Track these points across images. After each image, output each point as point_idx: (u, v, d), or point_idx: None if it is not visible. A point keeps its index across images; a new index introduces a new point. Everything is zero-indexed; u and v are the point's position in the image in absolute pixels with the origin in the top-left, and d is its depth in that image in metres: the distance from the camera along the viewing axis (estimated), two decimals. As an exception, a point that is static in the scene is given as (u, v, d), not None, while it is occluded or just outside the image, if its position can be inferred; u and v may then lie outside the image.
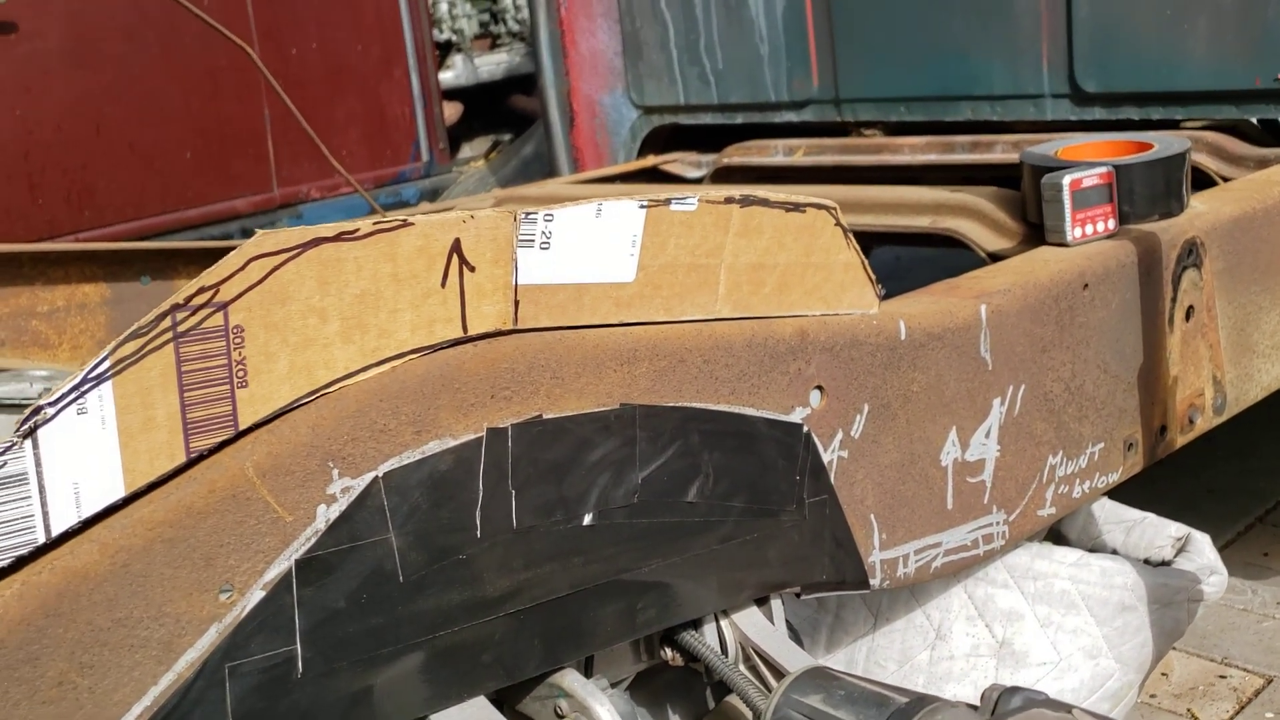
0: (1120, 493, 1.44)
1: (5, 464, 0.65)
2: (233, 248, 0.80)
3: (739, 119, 2.40)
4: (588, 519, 0.89)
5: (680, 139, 2.56)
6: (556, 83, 2.60)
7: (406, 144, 3.74)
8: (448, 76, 4.44)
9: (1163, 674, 1.70)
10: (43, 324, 1.82)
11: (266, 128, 3.29)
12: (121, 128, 2.95)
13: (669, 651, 1.04)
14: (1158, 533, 1.52)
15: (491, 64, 4.59)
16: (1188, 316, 1.40)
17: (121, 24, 2.95)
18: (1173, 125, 1.95)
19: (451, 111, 4.30)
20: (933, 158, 2.08)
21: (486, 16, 4.77)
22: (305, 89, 3.35)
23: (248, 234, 3.35)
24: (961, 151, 2.07)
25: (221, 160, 3.22)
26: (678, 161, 2.49)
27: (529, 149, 4.08)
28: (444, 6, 4.59)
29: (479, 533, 0.83)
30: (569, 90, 2.59)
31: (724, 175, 2.30)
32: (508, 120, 4.67)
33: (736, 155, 2.30)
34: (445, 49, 4.58)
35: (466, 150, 4.59)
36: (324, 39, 3.47)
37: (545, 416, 0.86)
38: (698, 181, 2.40)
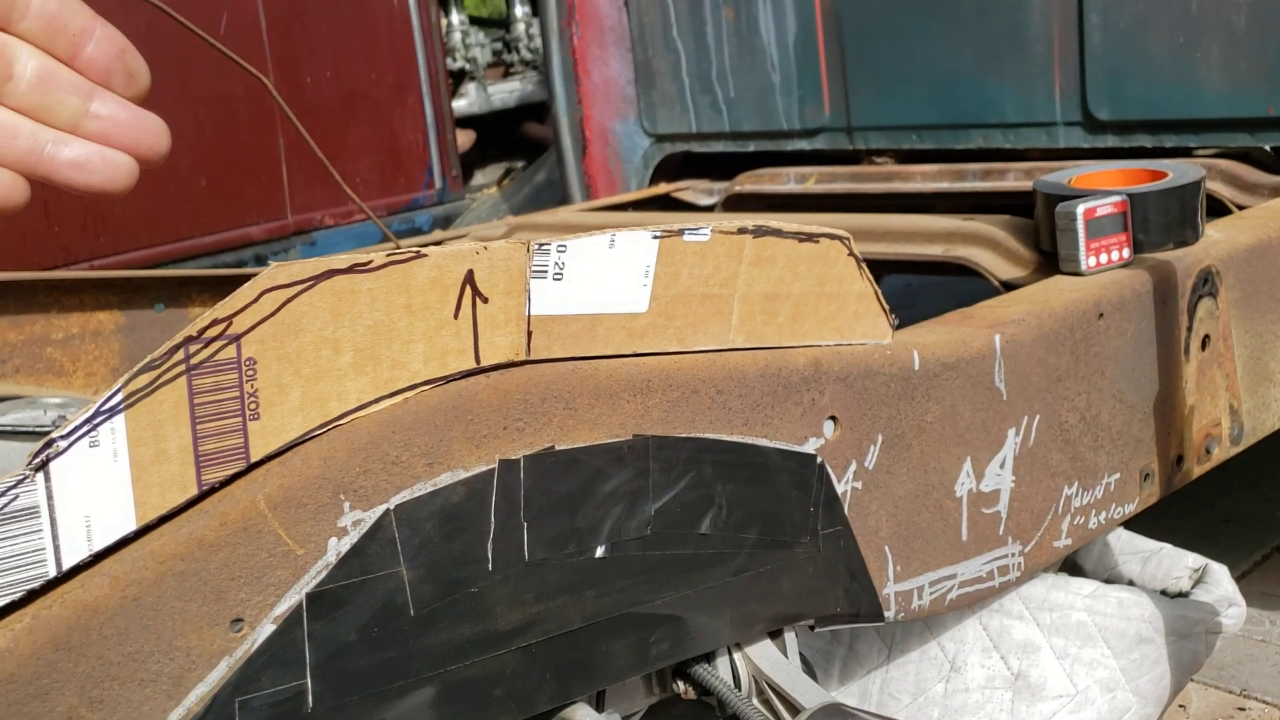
0: (1135, 523, 1.43)
1: (17, 497, 0.65)
2: (246, 276, 0.79)
3: (751, 147, 2.41)
4: (600, 551, 0.88)
5: (692, 166, 2.57)
6: (569, 110, 2.61)
7: (420, 171, 3.76)
8: (461, 104, 4.46)
9: (1180, 706, 1.68)
10: (57, 351, 1.83)
11: (281, 155, 3.31)
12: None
13: (681, 685, 1.03)
14: (1175, 563, 1.50)
15: (504, 92, 4.61)
16: (1204, 346, 1.40)
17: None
18: (1185, 153, 1.95)
19: (464, 139, 4.32)
20: (944, 186, 2.08)
21: (500, 45, 4.80)
22: (319, 116, 3.37)
23: (261, 261, 3.36)
24: (973, 179, 2.07)
25: (236, 187, 3.24)
26: (689, 189, 2.49)
27: (541, 176, 4.09)
28: (457, 35, 4.62)
29: (491, 565, 0.82)
30: (581, 118, 2.60)
31: (735, 203, 2.31)
32: (520, 148, 4.68)
33: (748, 183, 2.30)
34: (458, 77, 4.60)
35: (479, 178, 4.61)
36: (338, 67, 3.49)
37: (558, 448, 0.85)
38: (709, 209, 2.41)
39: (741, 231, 0.94)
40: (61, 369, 1.85)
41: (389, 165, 3.67)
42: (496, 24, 4.94)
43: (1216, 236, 1.45)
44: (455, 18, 4.64)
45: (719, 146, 2.45)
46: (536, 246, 0.83)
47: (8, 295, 1.75)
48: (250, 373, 0.72)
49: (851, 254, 1.00)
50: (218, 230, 3.20)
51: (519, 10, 4.76)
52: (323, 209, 3.44)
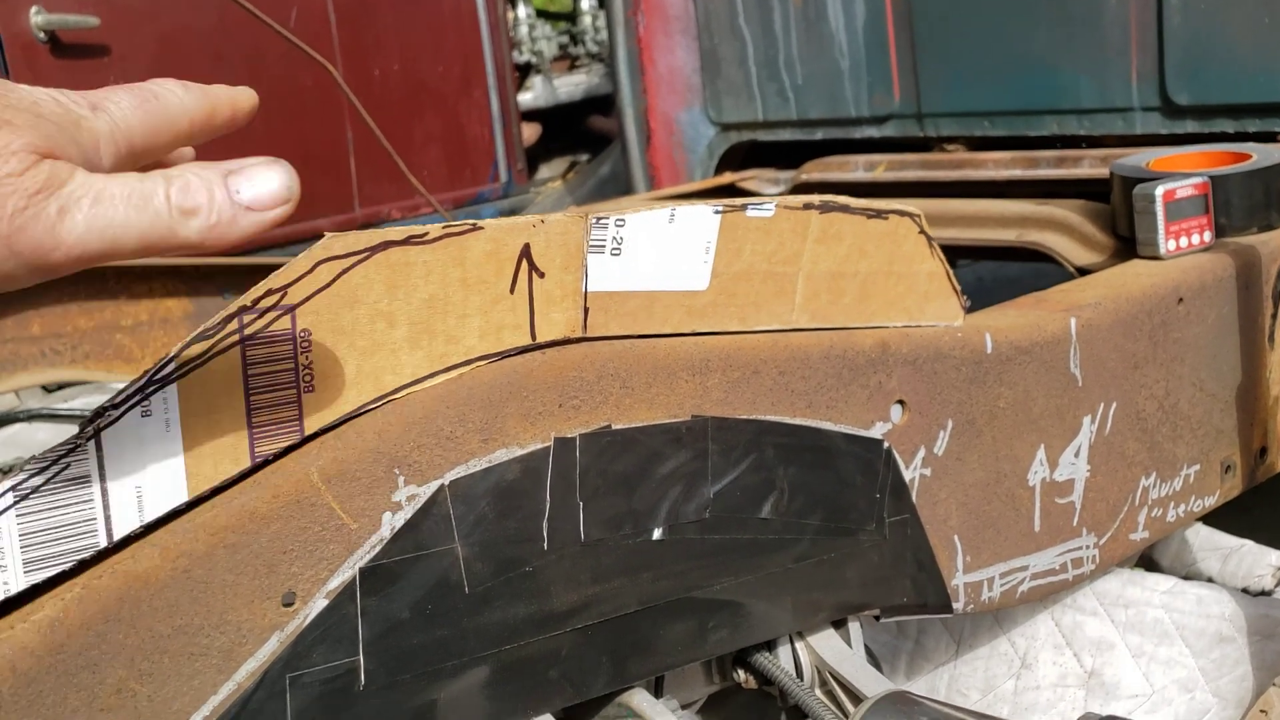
0: (1211, 520, 1.37)
1: (68, 465, 0.64)
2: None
3: (818, 135, 2.37)
4: (657, 533, 0.86)
5: (757, 156, 2.54)
6: (634, 101, 2.59)
7: (485, 164, 3.76)
8: (527, 98, 4.47)
9: (1262, 711, 1.62)
10: (126, 338, 1.85)
11: (349, 148, 3.33)
12: (207, 148, 3.01)
13: (741, 673, 1.00)
14: (1257, 561, 1.45)
15: (570, 85, 4.61)
16: (1290, 334, 1.34)
17: (209, 47, 3.00)
18: (1269, 139, 1.88)
19: (530, 132, 4.32)
20: (1017, 173, 2.02)
21: (566, 38, 4.80)
22: (386, 109, 3.38)
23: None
24: (1047, 167, 2.01)
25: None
26: (755, 178, 2.46)
27: (605, 169, 4.08)
28: (524, 29, 4.63)
29: (546, 544, 0.81)
30: (646, 108, 2.57)
31: (802, 191, 2.27)
32: (585, 141, 4.68)
33: (815, 171, 2.27)
34: (524, 70, 4.61)
35: (544, 171, 4.61)
36: (405, 60, 3.50)
37: (614, 427, 0.84)
38: (776, 198, 2.37)
39: (807, 207, 0.91)
40: (130, 355, 1.86)
41: (455, 158, 3.68)
42: (563, 17, 4.95)
43: (1304, 221, 1.39)
44: (522, 11, 4.65)
45: (785, 135, 2.42)
46: (594, 220, 0.81)
47: (79, 282, 1.77)
48: (305, 344, 0.71)
49: (923, 232, 0.97)
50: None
51: (585, 3, 4.75)
52: (390, 202, 3.46)
